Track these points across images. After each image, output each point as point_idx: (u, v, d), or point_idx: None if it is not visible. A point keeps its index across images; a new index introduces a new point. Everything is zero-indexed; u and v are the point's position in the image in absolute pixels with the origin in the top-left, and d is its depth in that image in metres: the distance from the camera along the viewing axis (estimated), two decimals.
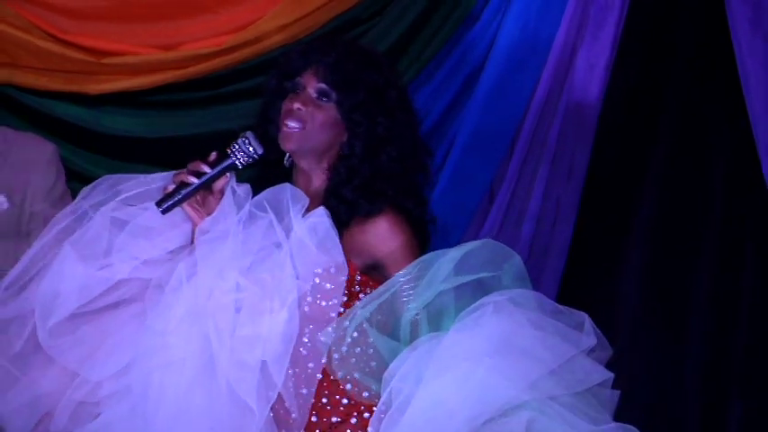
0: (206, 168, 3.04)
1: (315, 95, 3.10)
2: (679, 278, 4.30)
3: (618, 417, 3.02)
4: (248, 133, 3.08)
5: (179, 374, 2.93)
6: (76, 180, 4.39)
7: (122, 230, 3.06)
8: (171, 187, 3.04)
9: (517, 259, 2.98)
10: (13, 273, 3.11)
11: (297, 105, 3.09)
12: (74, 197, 4.14)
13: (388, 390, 2.82)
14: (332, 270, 2.97)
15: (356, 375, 2.94)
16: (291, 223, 2.98)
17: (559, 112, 4.38)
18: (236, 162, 3.06)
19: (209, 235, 2.98)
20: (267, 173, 3.19)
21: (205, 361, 2.92)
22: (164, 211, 3.02)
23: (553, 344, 2.83)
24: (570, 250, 4.39)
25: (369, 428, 2.90)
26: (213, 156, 3.07)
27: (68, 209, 3.15)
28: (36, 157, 4.09)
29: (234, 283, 2.93)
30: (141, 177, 3.15)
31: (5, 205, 3.99)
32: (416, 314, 2.93)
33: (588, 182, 4.38)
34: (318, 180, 3.14)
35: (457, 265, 2.93)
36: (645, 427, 4.22)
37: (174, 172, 3.10)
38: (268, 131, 3.16)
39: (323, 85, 3.09)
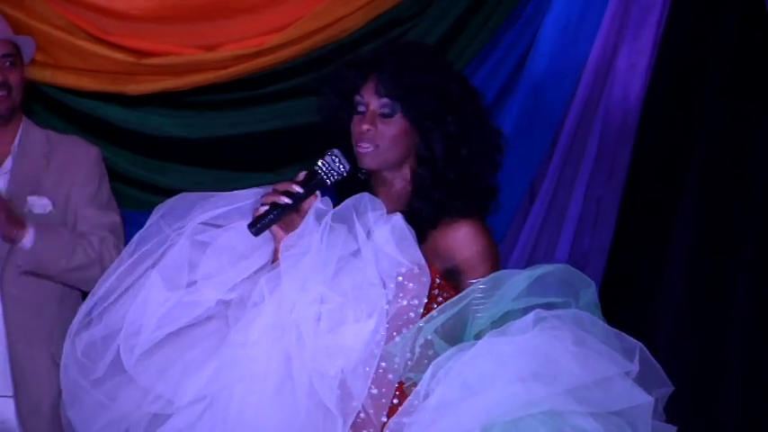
0: (297, 189, 3.00)
1: (379, 112, 3.08)
2: (720, 277, 4.28)
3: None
4: (336, 151, 3.06)
5: (260, 387, 2.90)
6: (118, 180, 4.42)
7: (204, 253, 3.03)
8: (262, 209, 2.99)
9: (592, 288, 2.95)
10: (93, 297, 3.08)
11: (366, 126, 3.06)
12: (115, 197, 4.21)
13: (417, 386, 2.83)
14: (416, 270, 2.94)
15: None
16: (371, 231, 2.95)
17: (600, 112, 4.37)
18: (326, 180, 3.04)
19: (293, 250, 2.94)
20: (347, 184, 3.15)
21: (286, 374, 2.89)
22: (256, 233, 2.98)
23: (590, 361, 2.79)
24: (611, 250, 4.38)
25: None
26: (302, 175, 3.03)
27: (149, 230, 3.11)
28: (79, 160, 4.10)
29: (317, 295, 2.89)
30: (220, 196, 3.11)
31: (50, 208, 4.00)
32: (481, 329, 2.91)
33: (629, 182, 4.38)
34: (399, 185, 3.12)
35: (530, 286, 2.90)
36: (685, 425, 4.25)
37: (258, 190, 3.08)
38: (345, 151, 3.12)
39: (385, 100, 3.06)
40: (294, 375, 2.88)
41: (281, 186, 3.01)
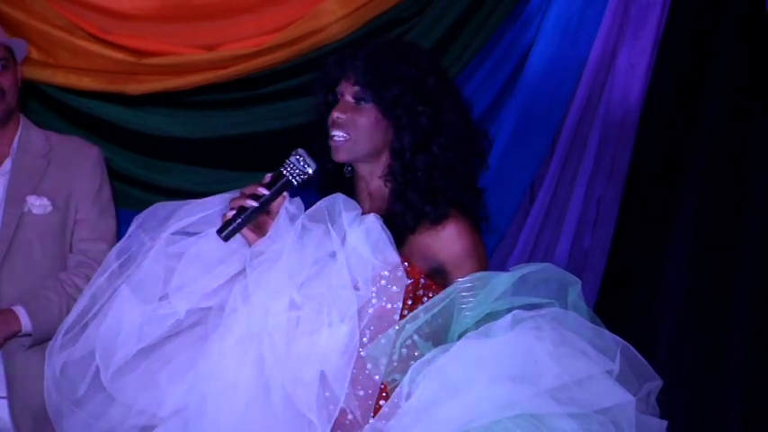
0: (263, 191, 2.98)
1: (352, 100, 3.07)
2: (721, 277, 4.28)
3: (661, 416, 3.00)
4: (300, 150, 3.04)
5: (235, 398, 2.88)
6: (119, 180, 4.43)
7: (178, 263, 3.00)
8: (230, 213, 2.97)
9: (578, 286, 2.93)
10: (73, 313, 3.06)
11: (337, 114, 3.06)
12: (115, 197, 4.21)
13: (398, 388, 2.83)
14: (399, 273, 2.93)
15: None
16: (345, 232, 2.93)
17: (600, 112, 4.37)
18: (292, 180, 3.01)
19: (264, 255, 2.93)
20: (331, 183, 3.14)
21: (261, 383, 2.87)
22: (225, 238, 2.96)
23: (570, 360, 2.78)
24: (611, 250, 4.38)
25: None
26: (268, 177, 3.01)
27: (128, 242, 3.08)
28: (80, 160, 4.08)
29: (289, 301, 2.87)
30: (194, 203, 3.08)
31: (49, 208, 3.98)
32: (465, 329, 2.90)
33: (629, 181, 4.38)
34: (377, 181, 3.10)
35: (514, 286, 2.90)
36: (686, 425, 4.25)
37: (227, 195, 3.05)
38: (324, 145, 3.12)
39: (357, 88, 3.06)
40: (269, 383, 2.86)
41: (248, 189, 2.99)
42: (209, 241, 3.01)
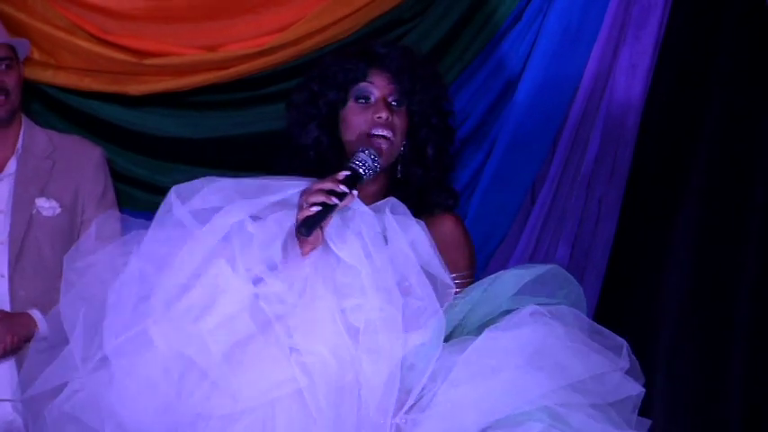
0: (343, 188, 2.93)
1: (392, 101, 3.11)
2: (722, 277, 4.28)
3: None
4: (369, 148, 3.06)
5: (311, 400, 2.80)
6: (120, 181, 4.42)
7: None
8: (314, 210, 2.89)
9: (578, 288, 2.99)
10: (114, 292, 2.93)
11: (385, 114, 3.08)
12: (118, 197, 4.22)
13: (418, 386, 2.83)
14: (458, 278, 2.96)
15: None
16: (408, 235, 2.92)
17: (601, 112, 4.37)
18: (364, 178, 3.02)
19: (333, 257, 2.90)
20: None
21: (335, 387, 2.81)
22: (307, 235, 2.90)
23: (586, 356, 2.84)
24: (612, 250, 4.38)
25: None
26: (343, 175, 2.96)
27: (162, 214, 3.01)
28: (84, 161, 4.09)
29: (360, 304, 2.85)
30: (232, 183, 3.09)
31: (58, 210, 3.99)
32: (470, 329, 2.93)
33: (630, 182, 4.38)
34: (376, 184, 3.12)
35: (520, 287, 2.94)
36: (688, 426, 4.25)
37: (282, 181, 3.02)
38: (323, 141, 3.15)
39: (397, 92, 3.11)
40: (345, 386, 2.81)
41: (327, 186, 2.92)
42: (267, 228, 2.94)
